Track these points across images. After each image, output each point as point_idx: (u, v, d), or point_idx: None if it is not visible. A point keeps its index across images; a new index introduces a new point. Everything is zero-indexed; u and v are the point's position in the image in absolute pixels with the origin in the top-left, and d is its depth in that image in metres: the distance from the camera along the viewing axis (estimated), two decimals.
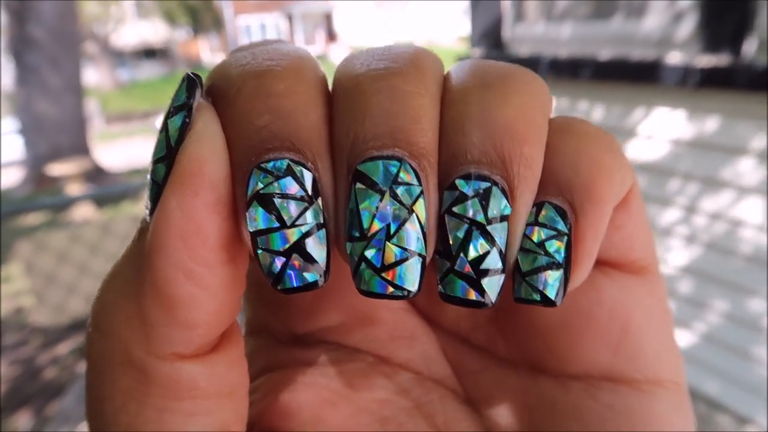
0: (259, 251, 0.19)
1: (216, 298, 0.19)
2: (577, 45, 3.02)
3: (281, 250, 0.18)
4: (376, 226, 0.18)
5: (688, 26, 2.46)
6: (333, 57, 29.30)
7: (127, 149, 18.40)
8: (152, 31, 32.14)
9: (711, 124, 2.27)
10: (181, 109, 0.19)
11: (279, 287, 0.19)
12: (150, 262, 0.19)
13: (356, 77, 0.20)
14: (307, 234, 0.19)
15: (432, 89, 0.21)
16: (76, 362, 4.37)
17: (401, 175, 0.19)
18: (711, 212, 2.24)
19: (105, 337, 0.20)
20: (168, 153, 0.19)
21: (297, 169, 0.19)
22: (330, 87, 0.22)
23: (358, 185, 0.19)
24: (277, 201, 0.18)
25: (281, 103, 0.19)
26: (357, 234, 0.19)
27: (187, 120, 0.19)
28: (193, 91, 0.20)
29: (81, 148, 11.43)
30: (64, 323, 5.03)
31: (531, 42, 3.36)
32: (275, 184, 0.19)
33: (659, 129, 2.38)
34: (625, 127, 2.52)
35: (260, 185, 0.19)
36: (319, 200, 0.20)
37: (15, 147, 16.12)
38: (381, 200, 0.19)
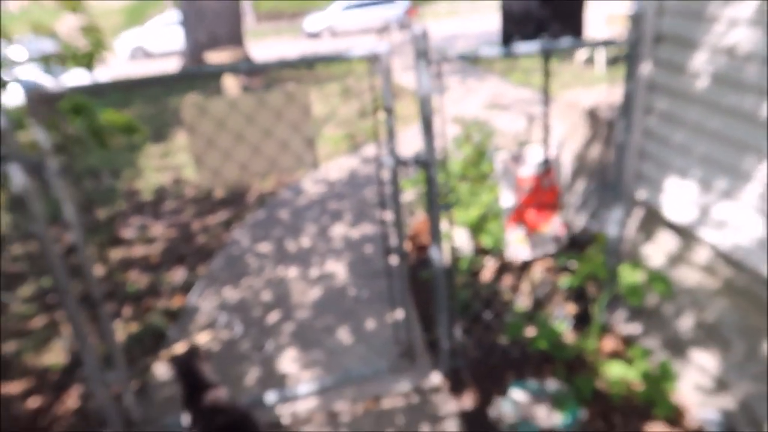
0: None
1: None
2: None
3: None
4: None
5: None
6: None
7: (275, 47, 19.25)
8: None
9: None
10: None
11: None
12: None
13: None
14: None
15: None
16: (223, 232, 4.75)
17: None
18: None
19: None
20: None
21: None
22: None
23: None
24: None
25: None
26: None
27: None
28: None
29: (235, 39, 11.98)
30: (216, 197, 5.45)
31: None
32: None
33: None
34: None
35: None
36: None
37: (176, 37, 17.44)
38: None
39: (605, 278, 2.89)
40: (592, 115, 3.77)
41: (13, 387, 3.04)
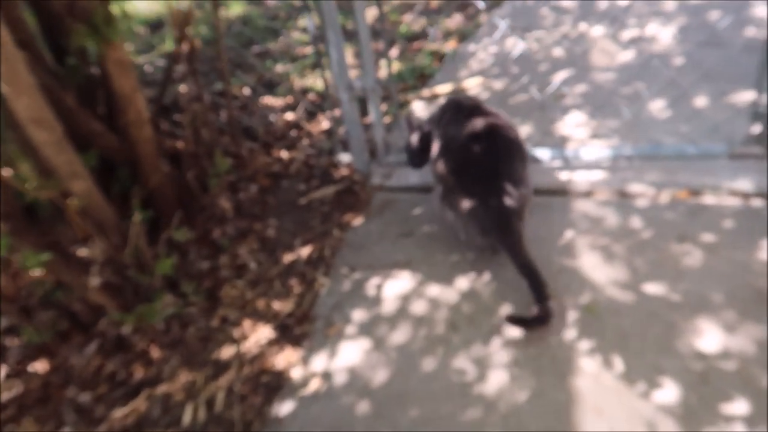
0: None
1: None
2: None
3: None
4: None
5: None
6: None
7: None
8: None
9: None
10: None
11: None
12: None
13: None
14: None
15: None
16: None
17: None
18: None
19: None
20: None
21: None
22: None
23: None
24: None
25: None
26: None
27: None
28: None
29: None
30: None
31: None
32: None
33: None
34: None
35: None
36: None
37: None
38: None
39: None
40: None
41: (276, 101, 2.93)
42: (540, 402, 1.41)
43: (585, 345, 1.52)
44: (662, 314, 1.56)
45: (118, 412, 1.55)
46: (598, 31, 3.05)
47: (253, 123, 2.69)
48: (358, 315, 1.73)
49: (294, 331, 1.72)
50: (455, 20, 3.55)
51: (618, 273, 1.70)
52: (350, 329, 1.69)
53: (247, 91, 2.99)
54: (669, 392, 1.38)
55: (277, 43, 3.62)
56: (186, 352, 1.70)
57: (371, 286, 1.82)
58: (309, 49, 3.43)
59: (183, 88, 2.49)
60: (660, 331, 1.52)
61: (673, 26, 2.95)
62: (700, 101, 2.32)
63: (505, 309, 1.66)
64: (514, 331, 1.59)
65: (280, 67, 3.26)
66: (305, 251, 1.99)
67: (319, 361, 1.62)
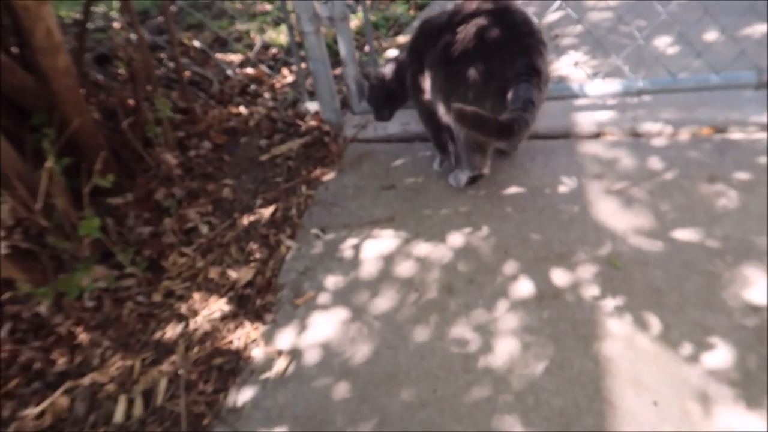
0: None
1: None
2: None
3: None
4: None
5: None
6: None
7: None
8: None
9: None
10: None
11: None
12: None
13: None
14: None
15: None
16: None
17: None
18: None
19: None
20: None
21: None
22: None
23: None
24: None
25: None
26: None
27: None
28: None
29: None
30: None
31: None
32: None
33: None
34: None
35: None
36: None
37: None
38: None
39: None
40: None
41: (235, 57, 2.59)
42: (562, 374, 1.13)
43: (610, 303, 1.24)
44: (700, 264, 1.29)
45: (32, 410, 1.22)
46: None
47: (207, 76, 2.35)
48: (333, 281, 1.43)
49: (254, 302, 1.41)
50: None
51: (641, 220, 1.43)
52: (323, 298, 1.39)
53: (198, 44, 2.65)
54: (720, 355, 1.11)
55: (234, 2, 3.28)
56: (120, 334, 1.37)
57: (347, 248, 1.52)
58: (269, 6, 3.10)
59: (119, 37, 2.13)
60: (700, 284, 1.25)
61: None
62: (710, 36, 2.07)
63: (510, 267, 1.37)
64: (524, 290, 1.31)
65: (239, 26, 2.91)
66: (267, 212, 1.68)
67: (286, 337, 1.31)
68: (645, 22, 2.25)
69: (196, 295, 1.44)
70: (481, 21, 1.39)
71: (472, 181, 1.60)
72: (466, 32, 1.39)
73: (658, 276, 1.28)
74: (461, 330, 1.25)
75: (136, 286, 1.47)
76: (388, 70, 1.70)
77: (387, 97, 1.72)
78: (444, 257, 1.43)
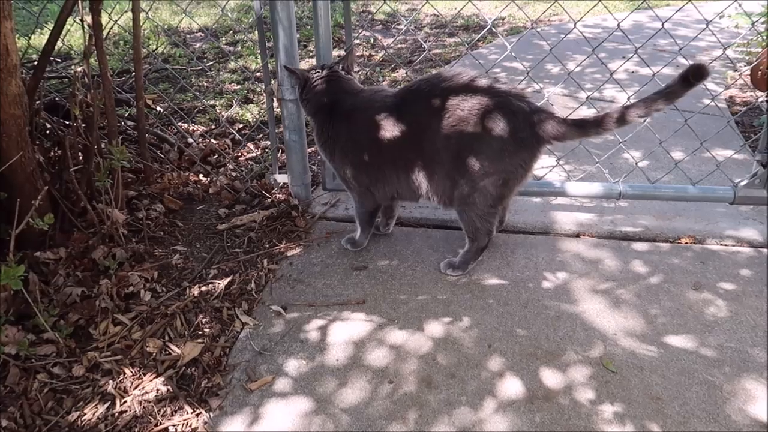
0: None
1: None
2: None
3: None
4: None
5: None
6: None
7: None
8: None
9: None
10: None
11: None
12: None
13: None
14: None
15: None
16: None
17: None
18: None
19: None
20: None
21: None
22: None
23: None
24: None
25: None
26: None
27: None
28: None
29: None
30: None
31: None
32: None
33: None
34: None
35: None
36: None
37: None
38: None
39: None
40: None
41: (197, 128, 2.48)
42: None
43: (608, 409, 1.11)
44: (698, 373, 1.19)
45: None
46: (555, 90, 2.91)
47: (168, 139, 2.21)
48: (294, 365, 1.24)
49: (199, 384, 1.19)
50: None
51: (630, 322, 1.34)
52: (282, 383, 1.19)
53: (161, 109, 2.53)
54: None
55: (203, 79, 3.23)
56: (24, 414, 1.11)
57: (312, 329, 1.34)
58: (237, 87, 3.06)
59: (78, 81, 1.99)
60: (701, 394, 1.14)
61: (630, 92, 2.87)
62: (677, 155, 2.14)
63: (496, 362, 1.23)
64: (511, 388, 1.16)
65: (205, 102, 2.83)
66: (222, 283, 1.49)
67: (234, 428, 1.09)
68: (613, 137, 2.32)
69: (128, 371, 1.21)
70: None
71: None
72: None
73: (656, 382, 1.17)
74: (444, 430, 1.07)
75: (54, 355, 1.23)
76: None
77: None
78: (422, 347, 1.28)
